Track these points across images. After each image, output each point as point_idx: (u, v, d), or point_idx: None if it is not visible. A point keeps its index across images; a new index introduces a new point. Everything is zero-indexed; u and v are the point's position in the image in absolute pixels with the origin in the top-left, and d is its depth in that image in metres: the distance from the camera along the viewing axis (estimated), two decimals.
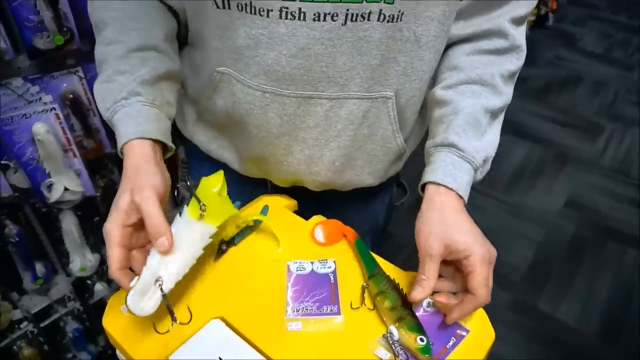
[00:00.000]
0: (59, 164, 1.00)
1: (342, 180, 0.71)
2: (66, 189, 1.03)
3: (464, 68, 0.63)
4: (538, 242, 2.01)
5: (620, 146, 2.63)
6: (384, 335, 0.52)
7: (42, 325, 1.22)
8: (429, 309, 0.56)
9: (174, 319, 0.53)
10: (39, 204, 1.08)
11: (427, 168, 0.61)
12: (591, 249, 1.99)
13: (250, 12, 0.55)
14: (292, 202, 0.74)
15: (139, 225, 0.54)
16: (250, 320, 0.54)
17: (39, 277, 1.13)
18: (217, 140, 0.74)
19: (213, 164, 0.74)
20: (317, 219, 0.69)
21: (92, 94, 1.07)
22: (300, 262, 0.62)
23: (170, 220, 0.54)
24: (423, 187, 0.60)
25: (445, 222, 0.56)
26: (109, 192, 1.23)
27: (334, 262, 0.62)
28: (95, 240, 1.22)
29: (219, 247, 0.63)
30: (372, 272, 0.59)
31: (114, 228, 0.52)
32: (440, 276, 0.56)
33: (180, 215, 0.55)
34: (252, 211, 0.71)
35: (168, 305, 0.52)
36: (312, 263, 0.62)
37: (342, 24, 0.54)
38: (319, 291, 0.58)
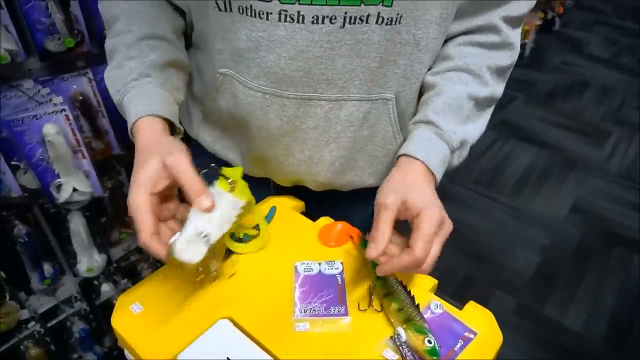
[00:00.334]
0: (68, 164, 1.01)
1: (342, 181, 0.71)
2: (75, 190, 1.04)
3: (454, 57, 0.64)
4: (544, 247, 2.00)
5: (627, 152, 2.62)
6: (391, 336, 0.52)
7: (48, 325, 1.22)
8: (436, 311, 0.56)
9: (211, 271, 0.54)
10: (48, 204, 1.08)
11: (403, 144, 0.63)
12: (597, 255, 1.98)
13: (251, 15, 0.55)
14: (300, 204, 0.74)
15: (165, 196, 0.54)
16: (258, 321, 0.55)
17: (46, 278, 1.14)
18: (221, 140, 0.74)
19: (218, 164, 0.75)
20: (324, 220, 0.70)
21: (102, 96, 1.08)
22: (307, 263, 0.62)
23: None
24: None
25: (407, 182, 0.58)
26: (117, 193, 1.24)
27: (342, 263, 0.62)
28: (102, 241, 1.23)
29: (227, 247, 0.63)
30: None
31: (142, 195, 0.50)
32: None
33: (210, 186, 0.55)
34: (260, 212, 0.71)
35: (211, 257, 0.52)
36: (319, 264, 0.62)
37: (341, 27, 0.55)
38: (327, 292, 0.58)
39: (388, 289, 0.56)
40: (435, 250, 0.54)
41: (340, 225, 0.68)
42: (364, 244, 0.64)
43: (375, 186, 0.74)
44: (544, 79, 3.29)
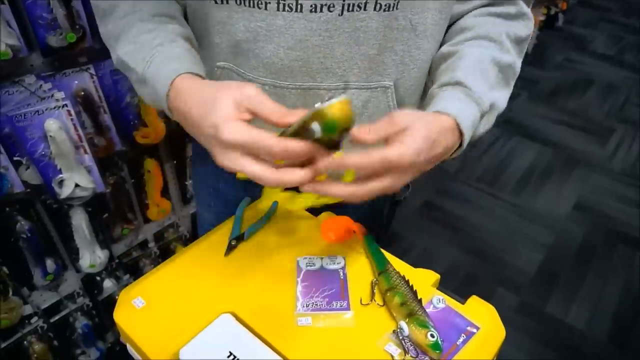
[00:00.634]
0: (70, 160, 1.01)
1: None
2: (77, 186, 1.04)
3: (473, 27, 0.62)
4: (547, 245, 2.00)
5: (630, 149, 2.60)
6: (394, 331, 0.52)
7: (51, 320, 1.23)
8: (439, 305, 0.56)
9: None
10: (50, 200, 1.08)
11: (427, 108, 0.56)
12: (600, 253, 1.98)
13: (249, 6, 0.55)
14: None
15: None
16: (260, 315, 0.55)
17: (49, 273, 1.14)
18: None
19: (215, 164, 0.74)
20: (326, 215, 0.70)
21: (104, 91, 1.08)
22: (309, 258, 0.62)
23: None
24: None
25: (425, 118, 0.51)
26: (119, 189, 1.24)
27: (344, 258, 0.62)
28: (104, 237, 1.23)
29: (229, 242, 0.63)
30: (381, 268, 0.59)
31: (232, 123, 0.44)
32: None
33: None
34: (261, 207, 0.71)
35: None
36: (321, 259, 0.62)
37: (339, 15, 0.55)
38: (329, 287, 0.58)
39: (390, 284, 0.56)
40: (401, 180, 0.47)
41: (342, 220, 0.67)
42: (367, 239, 0.64)
43: None
44: (547, 76, 3.27)
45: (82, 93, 1.05)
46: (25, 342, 1.18)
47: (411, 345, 0.51)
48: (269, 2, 0.54)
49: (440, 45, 0.65)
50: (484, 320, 0.55)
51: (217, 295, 0.57)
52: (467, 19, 0.64)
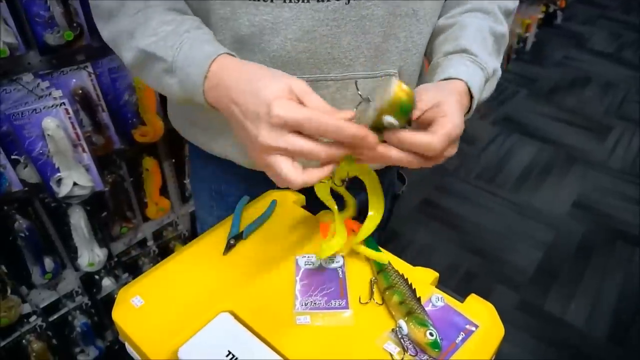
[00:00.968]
0: (68, 158, 1.01)
1: None
2: (75, 184, 1.04)
3: (466, 1, 0.65)
4: (546, 242, 2.00)
5: (629, 147, 2.61)
6: (393, 329, 0.52)
7: (50, 319, 1.23)
8: (438, 304, 0.56)
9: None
10: (49, 198, 1.08)
11: (434, 77, 0.59)
12: (599, 250, 1.98)
13: None
14: (300, 197, 0.74)
15: None
16: (259, 314, 0.54)
17: (47, 272, 1.14)
18: (219, 139, 0.73)
19: (217, 164, 0.74)
20: (325, 213, 0.69)
21: (102, 90, 1.08)
22: (308, 257, 0.62)
23: None
24: None
25: (447, 88, 0.54)
26: (118, 187, 1.24)
27: (343, 256, 0.62)
28: (103, 235, 1.23)
29: (227, 241, 0.63)
30: (380, 266, 0.58)
31: (290, 102, 0.44)
32: None
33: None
34: (260, 206, 0.71)
35: None
36: (320, 257, 0.61)
37: (346, 3, 0.55)
38: (328, 285, 0.58)
39: (389, 282, 0.56)
40: (450, 152, 0.50)
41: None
42: (367, 238, 0.64)
43: (379, 169, 0.75)
44: (546, 73, 3.27)
45: (80, 91, 1.05)
46: (24, 340, 1.19)
47: (410, 343, 0.51)
48: None
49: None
50: (483, 319, 0.55)
51: (216, 294, 0.57)
52: None
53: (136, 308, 0.56)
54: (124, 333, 0.55)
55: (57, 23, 0.95)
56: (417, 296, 0.54)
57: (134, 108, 1.16)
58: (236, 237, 0.64)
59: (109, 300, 1.33)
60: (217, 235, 0.65)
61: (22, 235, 1.07)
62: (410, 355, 0.50)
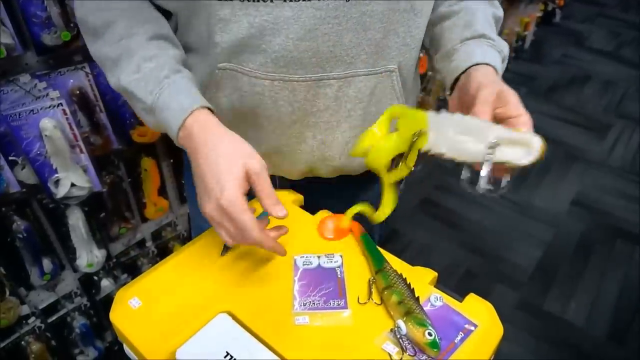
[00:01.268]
0: (66, 159, 1.00)
1: (355, 163, 0.71)
2: (73, 185, 1.04)
3: None
4: (545, 241, 2.00)
5: (628, 145, 2.60)
6: (391, 329, 0.52)
7: (49, 320, 1.23)
8: (437, 303, 0.56)
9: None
10: (47, 199, 1.08)
11: (453, 63, 0.63)
12: (599, 248, 1.98)
13: (254, 0, 0.55)
14: (298, 197, 0.74)
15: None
16: (257, 315, 0.54)
17: (46, 273, 1.14)
18: None
19: None
20: (323, 213, 0.69)
21: (100, 90, 1.07)
22: (306, 257, 0.61)
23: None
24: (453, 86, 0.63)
25: (481, 72, 0.59)
26: (116, 188, 1.24)
27: (341, 256, 0.62)
28: (102, 236, 1.23)
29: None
30: (379, 266, 0.58)
31: (240, 196, 0.51)
32: None
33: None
34: (258, 206, 0.71)
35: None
36: (318, 257, 0.61)
37: (346, 0, 0.55)
38: (326, 285, 0.58)
39: (388, 282, 0.56)
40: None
41: (339, 218, 0.67)
42: (364, 237, 0.64)
43: None
44: (544, 72, 3.27)
45: (78, 92, 1.04)
46: (23, 342, 1.18)
47: (409, 343, 0.50)
48: None
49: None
50: (481, 318, 0.54)
51: (214, 295, 0.57)
52: None
53: (134, 309, 0.56)
54: (121, 335, 0.55)
55: (54, 23, 0.95)
56: (416, 296, 0.54)
57: (131, 108, 1.15)
58: None
59: (108, 301, 1.33)
60: (215, 236, 0.65)
61: (21, 236, 1.07)
62: (409, 355, 0.50)
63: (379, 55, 0.61)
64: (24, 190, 1.02)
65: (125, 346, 0.56)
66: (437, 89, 2.23)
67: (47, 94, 0.96)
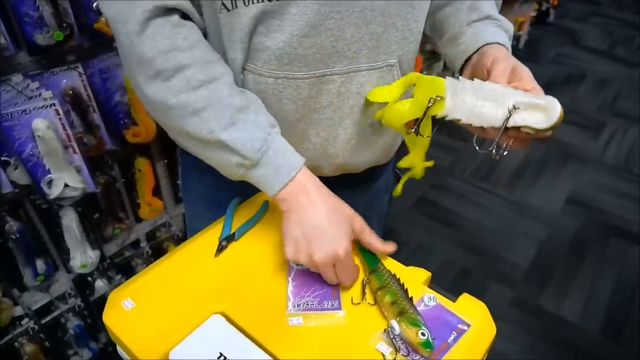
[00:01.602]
0: (59, 160, 1.00)
1: (358, 160, 0.72)
2: (66, 185, 1.03)
3: None
4: (540, 239, 2.01)
5: (622, 143, 2.62)
6: (385, 329, 0.52)
7: (43, 321, 1.22)
8: (430, 303, 0.56)
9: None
10: (40, 200, 1.07)
11: (462, 45, 0.67)
12: (593, 246, 1.99)
13: (258, 2, 0.54)
14: None
15: None
16: (251, 316, 0.54)
17: (39, 274, 1.13)
18: None
19: (215, 175, 0.66)
20: None
21: (92, 90, 1.07)
22: None
23: None
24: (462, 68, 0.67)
25: (493, 49, 0.62)
26: (110, 189, 1.23)
27: None
28: (96, 237, 1.22)
29: (219, 242, 0.63)
30: (373, 267, 0.58)
31: (351, 249, 0.57)
32: None
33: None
34: (252, 207, 0.70)
35: None
36: None
37: None
38: (320, 286, 0.58)
39: (381, 283, 0.56)
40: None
41: None
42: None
43: (382, 163, 0.78)
44: (539, 71, 3.25)
45: (71, 92, 1.04)
46: (16, 343, 1.18)
47: (402, 343, 0.50)
48: None
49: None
50: (475, 318, 0.55)
51: (208, 296, 0.57)
52: None
53: (127, 310, 0.55)
54: (115, 336, 0.54)
55: (47, 23, 0.94)
56: (409, 296, 0.54)
57: (125, 108, 1.15)
58: (228, 239, 0.64)
59: (102, 302, 1.30)
60: (209, 237, 0.65)
61: (14, 237, 1.06)
62: (402, 355, 0.50)
63: (380, 50, 0.62)
64: (17, 190, 1.02)
65: (118, 347, 0.56)
66: None
67: (40, 94, 0.96)
